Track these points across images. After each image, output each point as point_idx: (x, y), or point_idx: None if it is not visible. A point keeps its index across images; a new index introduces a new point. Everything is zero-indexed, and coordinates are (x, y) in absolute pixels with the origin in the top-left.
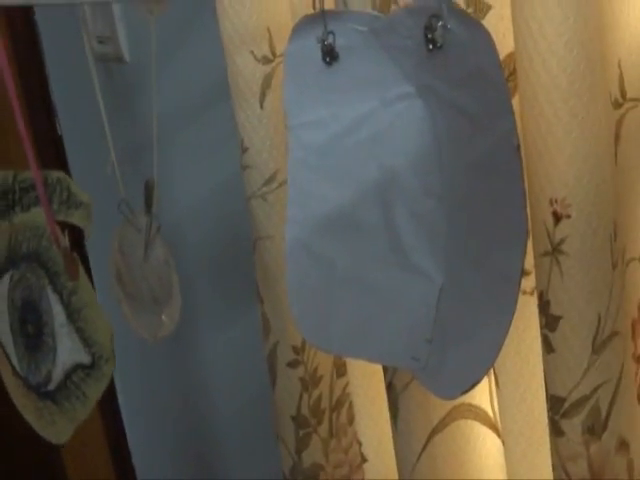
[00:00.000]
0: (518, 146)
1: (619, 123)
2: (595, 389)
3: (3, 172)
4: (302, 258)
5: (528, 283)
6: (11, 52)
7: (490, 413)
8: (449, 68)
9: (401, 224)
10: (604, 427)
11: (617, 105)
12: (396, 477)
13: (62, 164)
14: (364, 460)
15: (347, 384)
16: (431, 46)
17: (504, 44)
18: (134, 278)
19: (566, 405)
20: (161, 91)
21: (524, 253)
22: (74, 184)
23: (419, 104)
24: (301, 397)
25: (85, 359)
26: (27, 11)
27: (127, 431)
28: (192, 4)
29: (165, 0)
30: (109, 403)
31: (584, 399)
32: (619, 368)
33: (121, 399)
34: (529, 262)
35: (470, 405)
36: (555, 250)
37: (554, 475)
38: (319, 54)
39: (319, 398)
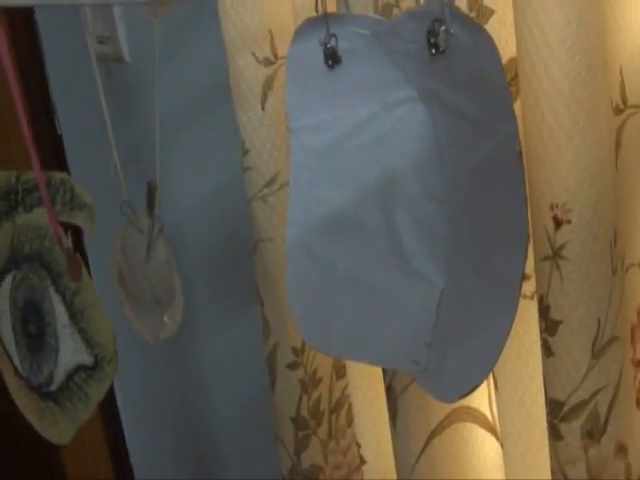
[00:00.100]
0: (520, 152)
1: (620, 129)
2: (594, 393)
3: (6, 173)
4: (303, 260)
5: (528, 287)
6: (11, 52)
7: (489, 416)
8: (451, 72)
9: (402, 228)
10: (603, 431)
11: (618, 111)
12: (395, 479)
13: (62, 164)
14: (363, 462)
15: (346, 386)
16: (434, 50)
17: (506, 49)
18: (136, 279)
19: (565, 409)
20: (162, 92)
21: (525, 257)
22: (77, 185)
23: (421, 108)
24: (300, 399)
25: (87, 360)
26: (27, 11)
27: (126, 432)
28: (194, 5)
29: (169, 2)
30: (108, 404)
31: (583, 403)
32: (618, 373)
33: (120, 400)
34: (529, 266)
35: (469, 408)
36: (555, 255)
37: (553, 479)
38: (321, 57)
39: (318, 400)
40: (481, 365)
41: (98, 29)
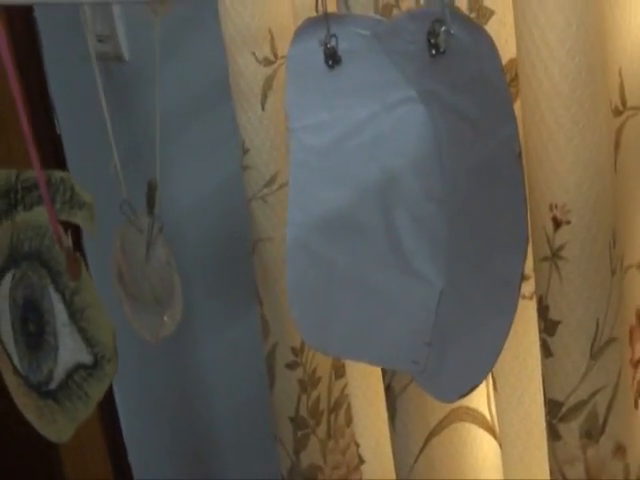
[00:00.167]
0: (520, 153)
1: (619, 131)
2: (593, 394)
3: (6, 171)
4: (302, 259)
5: (527, 288)
6: (10, 50)
7: (488, 416)
8: (451, 73)
9: (401, 227)
10: (601, 431)
11: (617, 113)
12: (393, 479)
13: (60, 163)
14: (362, 461)
15: (345, 385)
16: (434, 51)
17: (506, 50)
18: (135, 278)
19: (564, 409)
20: (162, 91)
21: (524, 258)
22: (77, 184)
23: (421, 109)
24: (299, 398)
25: (87, 359)
26: (26, 9)
27: (124, 431)
28: (194, 4)
29: (169, 1)
30: (107, 402)
31: (582, 403)
32: (617, 373)
33: (118, 399)
34: (528, 267)
35: (468, 408)
36: (555, 255)
37: (551, 479)
38: (321, 57)
39: (317, 399)
40: (480, 365)
41: (97, 28)
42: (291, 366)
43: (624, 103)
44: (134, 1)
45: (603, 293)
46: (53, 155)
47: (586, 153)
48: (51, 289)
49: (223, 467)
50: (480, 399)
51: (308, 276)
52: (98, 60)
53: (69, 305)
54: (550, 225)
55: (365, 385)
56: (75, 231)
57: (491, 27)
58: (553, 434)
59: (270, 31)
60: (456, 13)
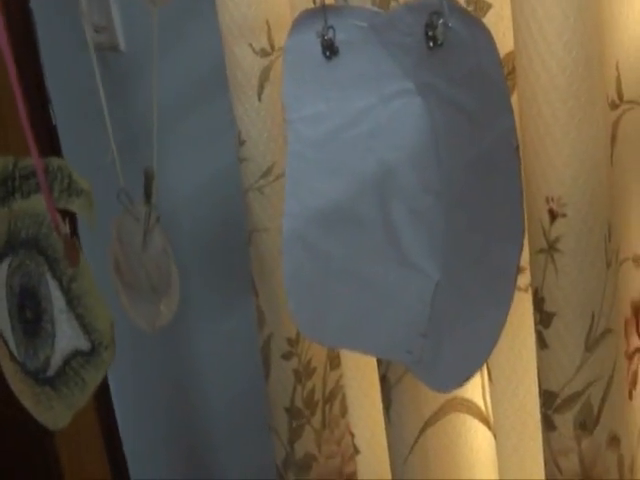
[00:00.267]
0: (517, 146)
1: (616, 124)
2: (588, 385)
3: (3, 158)
4: (298, 251)
5: (523, 280)
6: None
7: (482, 407)
8: (449, 66)
9: (398, 220)
10: (596, 422)
11: (614, 107)
12: (388, 469)
13: (56, 153)
14: (357, 451)
15: (340, 376)
16: (432, 43)
17: (503, 43)
18: (132, 267)
19: (559, 400)
20: (159, 81)
21: (520, 250)
22: (75, 172)
23: (418, 101)
24: (295, 389)
25: (84, 346)
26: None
27: (119, 421)
28: None
29: None
30: (102, 392)
31: (577, 395)
32: (611, 365)
33: (113, 389)
34: (524, 259)
35: (463, 399)
36: (551, 248)
37: (546, 469)
38: (319, 49)
39: (312, 390)
40: (476, 356)
41: (94, 18)
42: (286, 356)
43: (621, 97)
44: None
45: (598, 285)
46: (49, 145)
47: (582, 146)
48: (48, 276)
49: (218, 457)
50: (475, 390)
51: (305, 267)
52: (94, 50)
53: (66, 292)
54: (546, 218)
55: (360, 376)
56: (71, 221)
57: (489, 20)
58: (548, 425)
59: (267, 22)
60: (454, 6)
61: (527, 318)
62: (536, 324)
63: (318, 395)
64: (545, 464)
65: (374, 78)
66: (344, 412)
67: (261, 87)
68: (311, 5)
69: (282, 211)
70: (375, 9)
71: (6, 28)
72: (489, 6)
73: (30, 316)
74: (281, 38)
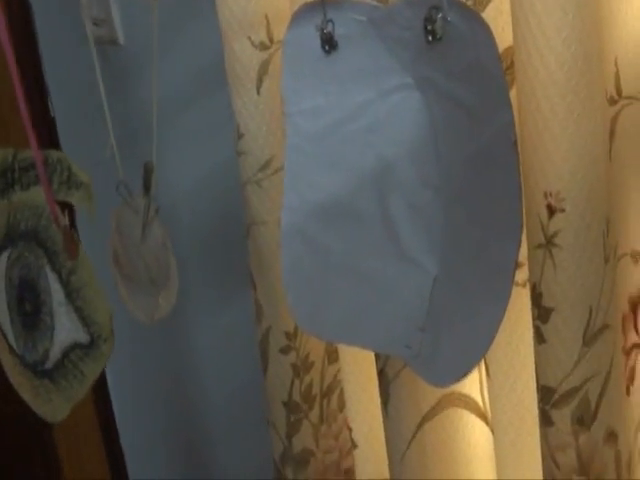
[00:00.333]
0: (515, 140)
1: (614, 120)
2: (585, 381)
3: (3, 150)
4: (297, 245)
5: (520, 275)
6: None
7: (480, 402)
8: (448, 60)
9: (397, 214)
10: (593, 418)
11: (612, 102)
12: (386, 464)
13: (54, 146)
14: (354, 446)
15: (338, 371)
16: (431, 38)
17: (502, 38)
18: (131, 259)
19: (556, 396)
20: (158, 75)
21: (519, 245)
22: (75, 164)
23: (416, 95)
24: (292, 383)
25: (83, 338)
26: None
27: (116, 414)
28: None
29: None
30: (99, 385)
31: (574, 390)
32: (609, 361)
33: (111, 382)
34: (522, 254)
35: (460, 394)
36: (549, 243)
37: (543, 465)
38: (318, 42)
39: (310, 384)
40: (474, 351)
41: (93, 11)
42: (284, 350)
43: (619, 92)
44: None
45: (596, 281)
46: (47, 138)
47: (581, 142)
48: (47, 269)
49: (216, 451)
50: (472, 385)
51: (303, 261)
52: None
53: (66, 285)
54: (544, 213)
55: (358, 370)
56: (70, 213)
57: (488, 14)
58: (545, 420)
59: (266, 16)
60: (453, 0)
61: (525, 313)
62: (534, 319)
63: (316, 389)
64: (542, 459)
65: (373, 72)
66: (342, 406)
67: (260, 81)
68: None
69: (280, 204)
70: (374, 3)
71: (6, 21)
72: (488, 0)
73: (29, 309)
74: (280, 32)
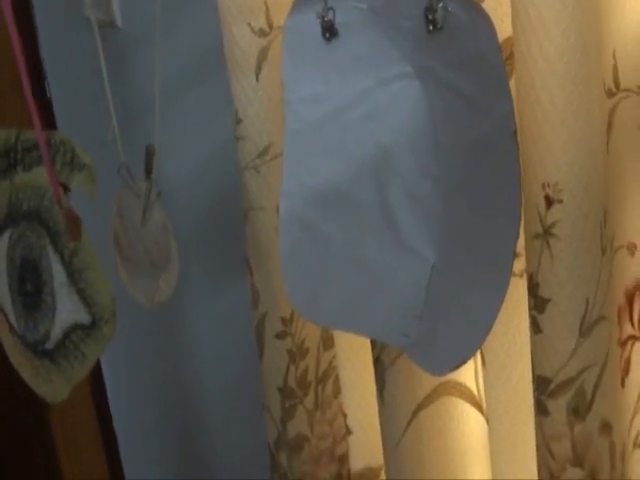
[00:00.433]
0: (515, 130)
1: (612, 112)
2: (581, 371)
3: (6, 131)
4: (296, 230)
5: (517, 265)
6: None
7: (475, 391)
8: (448, 50)
9: (396, 203)
10: (588, 409)
11: (610, 94)
12: (380, 451)
13: (51, 127)
14: (349, 432)
15: (334, 357)
16: (431, 27)
17: (502, 29)
18: (131, 242)
19: (552, 386)
20: (155, 58)
21: (517, 235)
22: (78, 146)
23: (416, 85)
24: (288, 369)
25: (85, 319)
26: None
27: (111, 400)
28: None
29: None
30: (93, 371)
31: (570, 380)
32: (605, 352)
33: (105, 367)
34: (519, 245)
35: (455, 382)
36: (546, 233)
37: (538, 454)
38: (318, 30)
39: (306, 370)
40: (471, 340)
41: None
42: (280, 336)
43: (617, 85)
44: None
45: (593, 272)
46: (44, 119)
47: (579, 133)
48: (49, 249)
49: (210, 436)
50: (468, 374)
51: (302, 247)
52: (91, 26)
53: (68, 266)
54: (542, 203)
55: (354, 357)
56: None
57: (488, 5)
58: (541, 410)
59: (265, 2)
60: None
61: (521, 303)
62: (530, 309)
63: (311, 375)
64: (537, 449)
65: (373, 61)
66: (337, 393)
67: (259, 67)
68: None
69: (278, 191)
70: None
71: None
72: None
73: (30, 289)
74: (279, 18)
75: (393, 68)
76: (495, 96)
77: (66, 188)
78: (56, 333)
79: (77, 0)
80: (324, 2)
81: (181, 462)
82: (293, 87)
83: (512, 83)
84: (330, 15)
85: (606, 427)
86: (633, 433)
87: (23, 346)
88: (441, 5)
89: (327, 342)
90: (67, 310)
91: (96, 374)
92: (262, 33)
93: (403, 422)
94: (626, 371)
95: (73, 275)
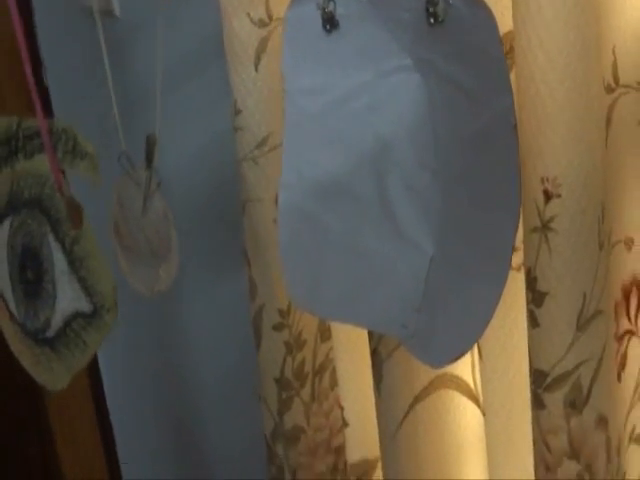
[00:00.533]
0: (515, 124)
1: (611, 108)
2: (578, 365)
3: (7, 118)
4: (295, 221)
5: (515, 259)
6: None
7: (471, 385)
8: (449, 43)
9: (394, 195)
10: (585, 402)
11: (610, 90)
12: (376, 443)
13: (48, 116)
14: (345, 424)
15: (331, 349)
16: (432, 20)
17: (502, 23)
18: (131, 231)
19: (549, 379)
20: (154, 48)
21: (516, 228)
22: (80, 135)
23: (415, 77)
24: (285, 360)
25: (86, 307)
26: None
27: (107, 391)
28: None
29: None
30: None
31: (567, 374)
32: (602, 346)
33: (101, 358)
34: (517, 239)
35: (452, 375)
36: (544, 227)
37: (535, 448)
38: (319, 21)
39: (302, 362)
40: (469, 332)
41: None
42: (277, 328)
43: (617, 81)
44: None
45: (591, 266)
46: (42, 110)
47: (578, 128)
48: (50, 237)
49: (206, 427)
50: (465, 367)
51: (301, 238)
52: (89, 15)
53: (69, 254)
54: (541, 198)
55: (351, 349)
56: None
57: None
58: (537, 403)
59: None
60: None
61: (519, 297)
62: (528, 303)
63: (308, 367)
64: (534, 443)
65: (373, 53)
66: (333, 385)
67: (258, 58)
68: None
69: (276, 182)
70: None
71: None
72: None
73: (31, 277)
74: (279, 9)
75: (393, 60)
76: (495, 89)
77: (62, 173)
78: (57, 321)
79: None
80: None
81: (177, 452)
82: (293, 78)
83: (512, 77)
84: (331, 7)
85: (602, 421)
86: (629, 427)
87: (23, 334)
88: None
89: (324, 334)
90: (68, 298)
91: (92, 363)
92: (262, 24)
93: (400, 414)
94: (622, 365)
95: (74, 263)
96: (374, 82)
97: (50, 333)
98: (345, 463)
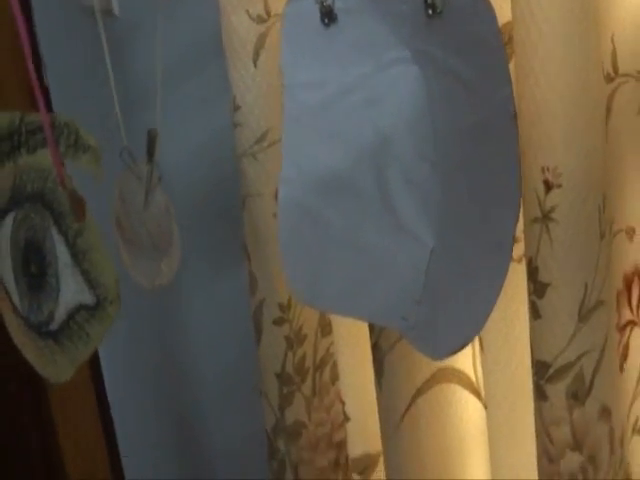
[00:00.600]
0: (515, 114)
1: (610, 97)
2: (580, 356)
3: (10, 113)
4: (295, 216)
5: (516, 251)
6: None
7: (473, 378)
8: (447, 34)
9: (394, 188)
10: (587, 393)
11: (609, 79)
12: (378, 437)
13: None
14: (347, 419)
15: (331, 343)
16: (431, 11)
17: (501, 14)
18: (133, 224)
19: (551, 370)
20: (153, 46)
21: (517, 219)
22: (82, 129)
23: (414, 69)
24: (286, 355)
25: (89, 300)
26: None
27: (108, 386)
28: None
29: None
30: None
31: (569, 365)
32: (604, 337)
33: (102, 352)
34: (518, 229)
35: (453, 369)
36: (545, 217)
37: (537, 440)
38: (317, 15)
39: (303, 356)
40: (470, 324)
41: None
42: (278, 322)
43: (616, 70)
44: None
45: (592, 256)
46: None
47: (578, 118)
48: (53, 230)
49: (207, 421)
50: (466, 361)
51: (301, 232)
52: (88, 14)
53: (72, 247)
54: (541, 188)
55: (352, 343)
56: None
57: None
58: (540, 395)
59: None
60: None
61: (520, 289)
62: (530, 294)
63: (309, 362)
64: (537, 434)
65: (371, 46)
66: (334, 380)
67: (257, 54)
68: None
69: (276, 177)
70: None
71: None
72: None
73: (35, 270)
74: (277, 5)
75: (391, 53)
76: (495, 80)
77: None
78: (60, 314)
79: None
80: None
81: (178, 445)
82: (292, 73)
83: (511, 67)
84: (329, 0)
85: (605, 412)
86: (632, 418)
87: (27, 327)
88: None
89: (325, 328)
90: (71, 291)
91: (93, 356)
92: (260, 20)
93: (401, 408)
94: (625, 356)
95: (77, 256)
96: (373, 75)
97: (54, 326)
98: (347, 458)
